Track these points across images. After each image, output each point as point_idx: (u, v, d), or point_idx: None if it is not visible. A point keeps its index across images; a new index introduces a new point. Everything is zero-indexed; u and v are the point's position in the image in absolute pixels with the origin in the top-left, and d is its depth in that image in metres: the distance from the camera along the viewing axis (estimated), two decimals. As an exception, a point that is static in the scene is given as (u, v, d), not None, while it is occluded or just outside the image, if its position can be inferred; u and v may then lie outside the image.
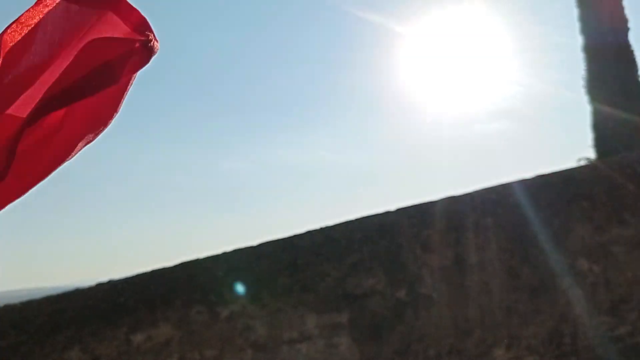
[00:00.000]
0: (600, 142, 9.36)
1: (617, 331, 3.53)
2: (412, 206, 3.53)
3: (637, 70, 9.32)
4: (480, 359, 3.37)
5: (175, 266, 3.50)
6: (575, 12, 9.91)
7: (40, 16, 0.67)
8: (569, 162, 3.87)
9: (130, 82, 0.75)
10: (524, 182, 3.56)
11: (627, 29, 9.47)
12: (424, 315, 3.37)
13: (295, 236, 3.51)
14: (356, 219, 3.51)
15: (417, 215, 3.49)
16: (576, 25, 9.90)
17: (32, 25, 0.66)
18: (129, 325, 3.41)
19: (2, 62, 0.65)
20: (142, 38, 0.69)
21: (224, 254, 3.50)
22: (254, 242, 3.58)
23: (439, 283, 3.41)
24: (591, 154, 9.61)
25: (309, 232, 3.51)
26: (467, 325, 3.39)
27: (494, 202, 3.51)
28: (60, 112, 0.72)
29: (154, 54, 0.69)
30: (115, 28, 0.69)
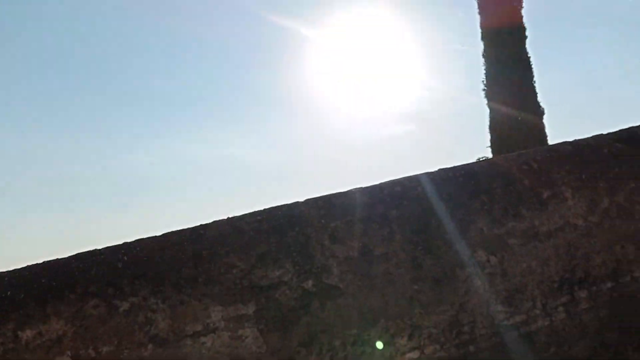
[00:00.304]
0: (497, 143, 10.21)
1: (513, 320, 3.82)
2: (321, 197, 3.64)
3: (532, 76, 10.24)
4: (383, 348, 3.52)
5: (70, 257, 3.40)
6: (477, 19, 10.76)
7: None
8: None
9: None
10: (428, 175, 3.78)
11: (525, 37, 10.43)
12: (330, 306, 3.48)
13: (201, 226, 3.52)
14: (264, 210, 3.58)
15: (326, 207, 3.61)
16: (477, 33, 10.74)
17: None
18: (16, 320, 3.27)
19: None
20: None
21: (125, 244, 3.45)
22: (158, 233, 3.54)
23: (346, 274, 3.54)
24: (489, 154, 10.41)
25: (215, 223, 3.53)
26: (371, 315, 3.54)
27: (399, 194, 3.69)
28: None
29: None
30: None
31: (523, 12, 10.63)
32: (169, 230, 3.54)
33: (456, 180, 3.83)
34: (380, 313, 3.56)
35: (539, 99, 10.32)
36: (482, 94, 10.79)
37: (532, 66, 10.40)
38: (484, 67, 10.81)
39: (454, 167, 3.90)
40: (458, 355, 3.65)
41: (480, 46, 10.91)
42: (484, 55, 10.80)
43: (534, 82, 10.35)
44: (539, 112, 10.15)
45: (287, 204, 3.61)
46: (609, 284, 4.12)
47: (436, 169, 3.88)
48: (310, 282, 3.47)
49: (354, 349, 3.47)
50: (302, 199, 3.68)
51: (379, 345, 3.56)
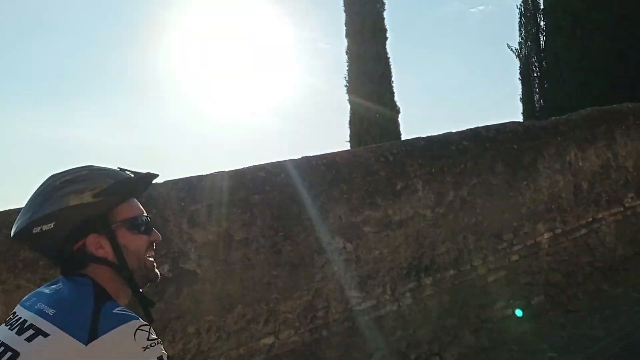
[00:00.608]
0: (356, 137, 10.89)
1: (364, 305, 4.09)
2: (181, 179, 3.60)
3: (391, 75, 11.08)
4: (239, 334, 3.59)
5: None
6: (342, 18, 11.39)
7: None
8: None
9: None
10: (291, 163, 3.91)
11: (386, 38, 11.25)
12: (185, 292, 3.46)
13: (45, 205, 3.30)
14: (119, 190, 3.44)
15: (187, 189, 3.58)
16: (342, 32, 11.38)
17: None
18: None
19: None
20: None
21: (-49, 222, 3.12)
22: (-7, 212, 3.26)
23: (204, 259, 3.54)
24: (348, 148, 11.07)
25: (62, 202, 3.32)
26: (228, 301, 3.59)
27: (263, 180, 3.78)
28: None
29: None
30: None
31: (385, 14, 11.38)
32: (8, 208, 3.28)
33: (318, 169, 4.01)
34: (238, 299, 3.62)
35: (396, 98, 11.12)
36: (345, 89, 11.37)
37: (391, 66, 11.19)
38: (346, 64, 11.39)
39: (317, 156, 4.07)
40: (311, 340, 3.83)
41: (344, 41, 11.46)
42: (347, 53, 11.37)
43: (392, 81, 11.13)
44: (395, 110, 10.95)
45: (143, 185, 3.52)
46: (452, 272, 4.58)
47: (300, 156, 4.02)
48: (166, 267, 3.43)
49: (209, 336, 3.49)
50: (160, 180, 3.61)
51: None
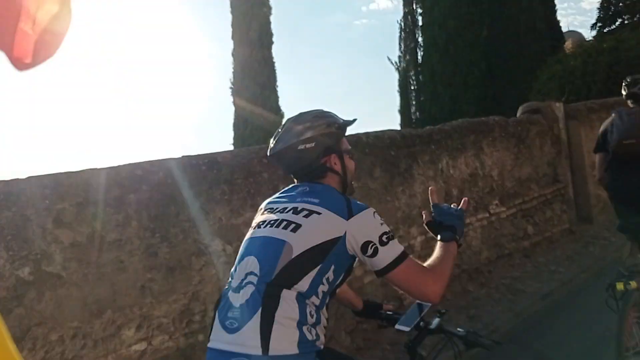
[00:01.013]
0: (240, 140, 10.86)
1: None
2: (47, 175, 3.35)
3: (276, 80, 11.21)
4: (107, 341, 3.40)
5: None
6: (229, 19, 11.30)
7: None
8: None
9: None
10: (171, 162, 3.77)
11: (271, 42, 11.37)
12: (48, 297, 3.22)
13: None
14: (-27, 185, 3.13)
15: (52, 186, 3.32)
16: (229, 33, 11.29)
17: None
18: None
19: None
20: None
21: None
22: None
23: (70, 261, 3.31)
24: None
25: None
26: (97, 306, 3.39)
27: (139, 178, 3.61)
28: None
29: None
30: None
31: (272, 19, 11.46)
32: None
33: (199, 169, 3.91)
34: (108, 304, 3.42)
35: (280, 102, 11.24)
36: (229, 92, 11.27)
37: (277, 71, 11.29)
38: (232, 67, 11.29)
39: (198, 156, 3.98)
40: (186, 345, 3.72)
41: (230, 43, 11.35)
42: (233, 55, 11.28)
43: (277, 86, 11.23)
44: (280, 114, 11.06)
45: (3, 180, 3.22)
46: (330, 274, 4.66)
47: (180, 155, 3.90)
48: (26, 270, 3.16)
49: (74, 343, 3.27)
50: (23, 175, 3.32)
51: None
